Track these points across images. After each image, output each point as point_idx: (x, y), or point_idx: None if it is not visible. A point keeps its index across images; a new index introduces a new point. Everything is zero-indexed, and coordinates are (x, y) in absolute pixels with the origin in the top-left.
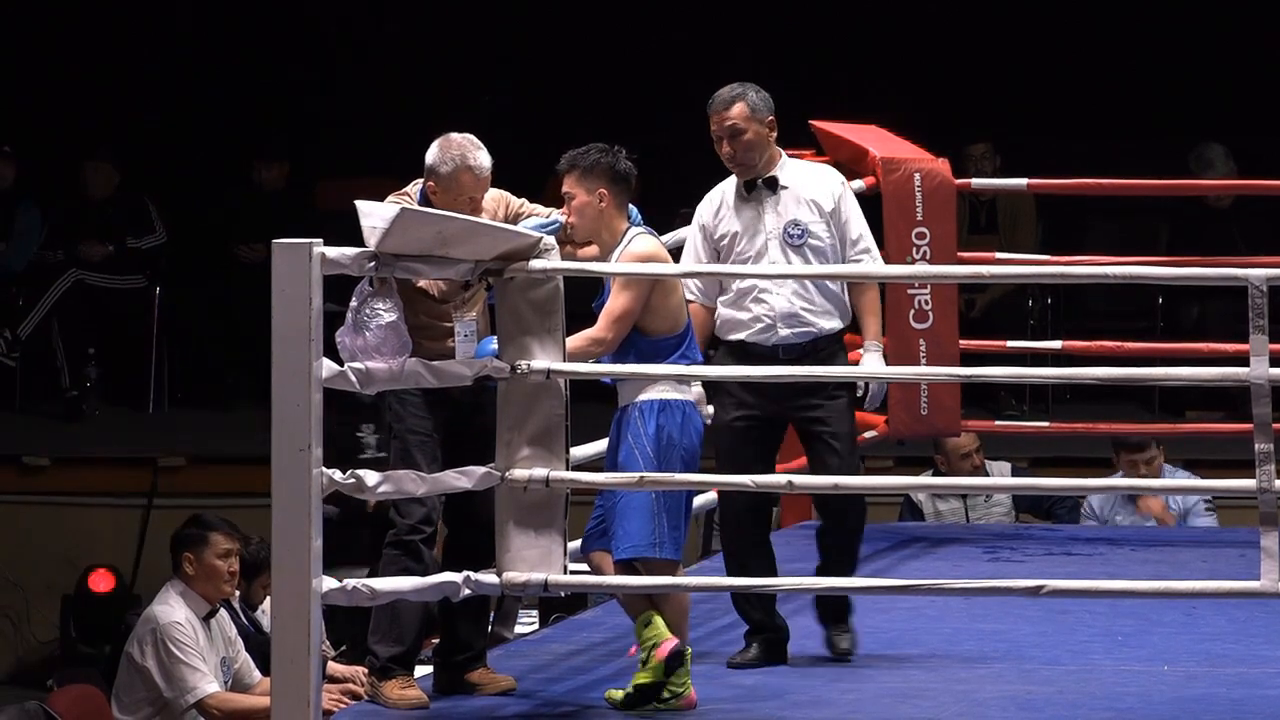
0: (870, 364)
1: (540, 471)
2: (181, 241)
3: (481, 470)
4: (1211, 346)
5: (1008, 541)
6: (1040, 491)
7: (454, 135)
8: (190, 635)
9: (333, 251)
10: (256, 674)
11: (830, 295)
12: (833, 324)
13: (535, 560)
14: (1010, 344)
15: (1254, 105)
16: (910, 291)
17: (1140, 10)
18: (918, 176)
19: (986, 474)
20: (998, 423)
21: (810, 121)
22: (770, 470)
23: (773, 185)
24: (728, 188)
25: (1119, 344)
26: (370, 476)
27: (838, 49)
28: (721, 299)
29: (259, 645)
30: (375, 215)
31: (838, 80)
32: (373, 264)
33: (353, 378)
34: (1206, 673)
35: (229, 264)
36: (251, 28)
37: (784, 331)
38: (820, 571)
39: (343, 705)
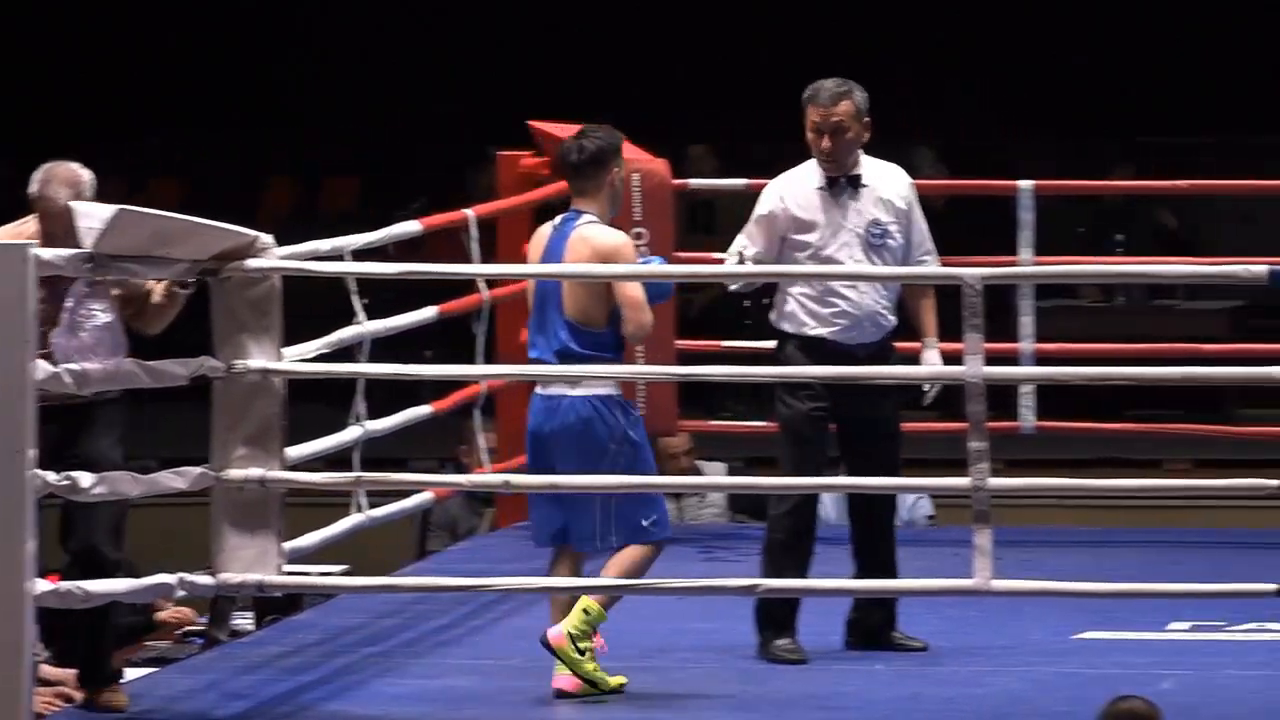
0: (935, 360)
1: (255, 471)
2: None
3: (197, 471)
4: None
5: (722, 541)
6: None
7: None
8: None
9: (48, 253)
10: None
11: (894, 293)
12: (893, 321)
13: (251, 560)
14: (727, 344)
15: (977, 105)
16: None
17: (862, 9)
18: (636, 176)
19: (699, 474)
20: (714, 422)
21: (529, 122)
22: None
23: (855, 183)
24: (800, 180)
25: None
26: (85, 478)
27: (559, 49)
28: (796, 290)
29: None
30: (92, 216)
31: (556, 80)
32: (89, 265)
33: (68, 379)
34: (918, 671)
35: None
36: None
37: (868, 328)
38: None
39: (55, 708)
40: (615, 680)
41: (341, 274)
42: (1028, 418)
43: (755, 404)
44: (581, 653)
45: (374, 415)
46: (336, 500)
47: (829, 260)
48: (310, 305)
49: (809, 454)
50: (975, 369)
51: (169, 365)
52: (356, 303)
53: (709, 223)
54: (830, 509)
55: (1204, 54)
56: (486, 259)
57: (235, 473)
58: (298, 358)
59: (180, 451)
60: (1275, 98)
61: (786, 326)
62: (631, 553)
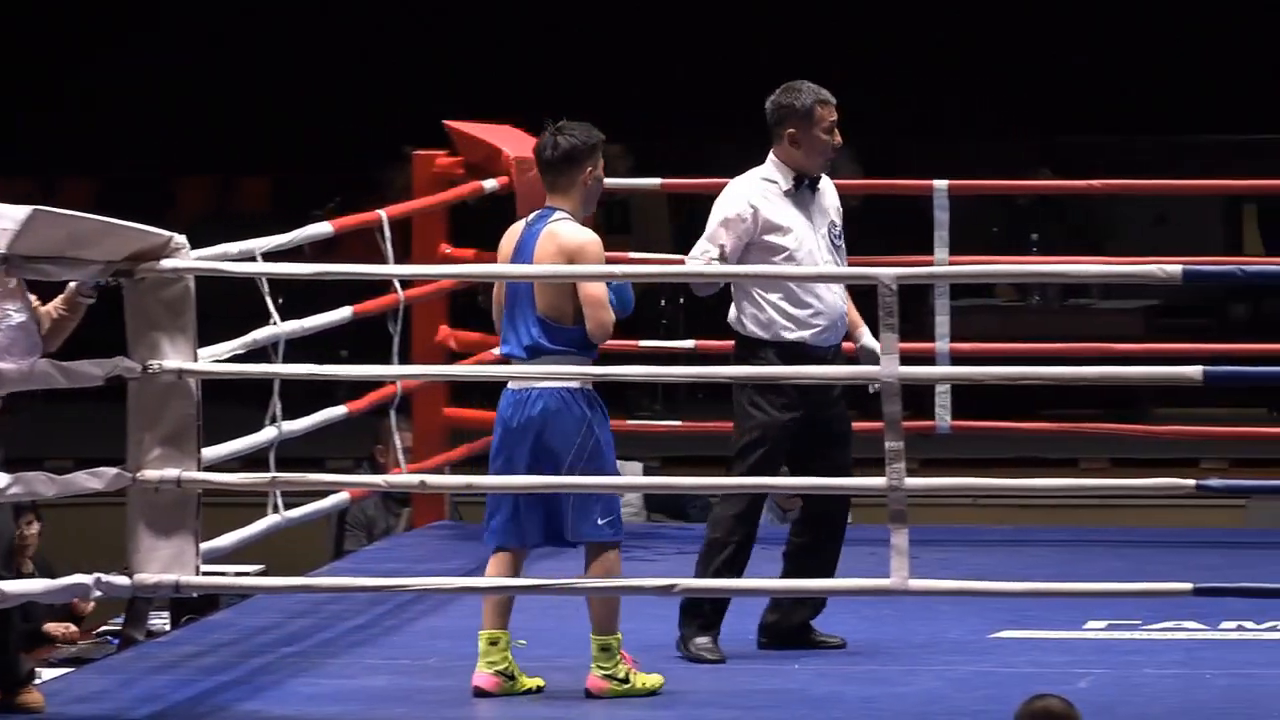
0: (876, 345)
1: (171, 472)
2: None
3: (113, 471)
4: (845, 345)
5: (640, 541)
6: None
7: None
8: None
9: None
10: None
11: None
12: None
13: (167, 561)
14: (643, 343)
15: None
16: None
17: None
18: None
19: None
20: (630, 422)
21: (444, 121)
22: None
23: (814, 186)
24: (765, 182)
25: None
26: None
27: (474, 49)
28: (772, 295)
29: None
30: (5, 217)
31: (470, 80)
32: (3, 266)
33: None
34: (837, 670)
35: None
36: None
37: (839, 329)
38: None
39: None
40: (655, 679)
41: (256, 274)
42: (944, 417)
43: (670, 404)
44: (625, 680)
45: (290, 415)
46: (253, 500)
47: (803, 262)
48: (225, 306)
49: (774, 461)
50: (891, 368)
51: (84, 366)
52: (270, 303)
53: (624, 222)
54: None
55: (1121, 53)
56: (401, 259)
57: (151, 473)
58: (213, 358)
59: (96, 452)
60: (1189, 98)
61: (761, 333)
62: (598, 565)
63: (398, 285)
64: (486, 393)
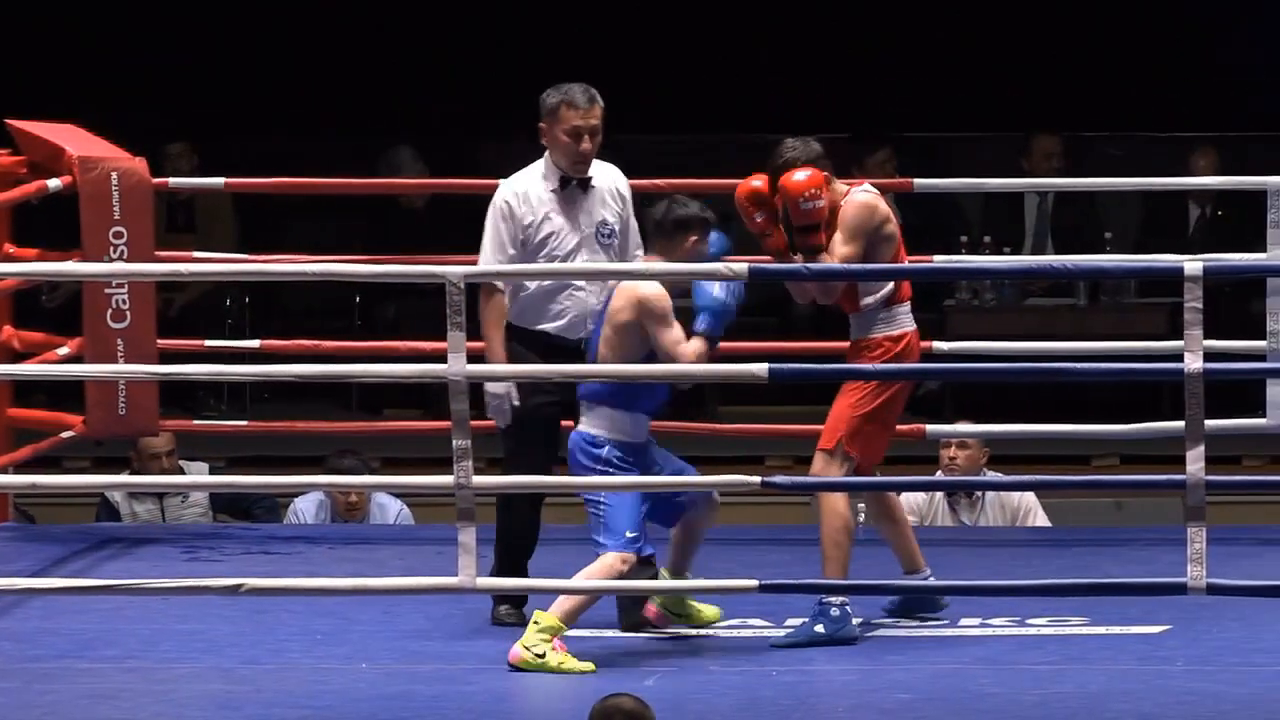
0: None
1: None
2: None
3: None
4: (409, 344)
5: (206, 541)
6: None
7: None
8: None
9: None
10: None
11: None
12: None
13: None
14: (208, 343)
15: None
16: (108, 291)
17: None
18: (115, 176)
19: (182, 474)
20: (196, 422)
21: (6, 120)
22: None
23: (585, 185)
24: (531, 181)
25: (316, 342)
26: None
27: (35, 47)
28: (535, 288)
29: None
30: None
31: (32, 81)
32: None
33: None
34: (405, 670)
35: None
36: None
37: (591, 326)
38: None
39: None
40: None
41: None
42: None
43: (236, 404)
44: (541, 655)
45: None
46: None
47: (565, 260)
48: None
49: (528, 441)
50: (458, 367)
51: None
52: None
53: (189, 222)
54: (309, 513)
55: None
56: None
57: None
58: None
59: None
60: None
61: (514, 321)
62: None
63: None
64: (50, 394)
